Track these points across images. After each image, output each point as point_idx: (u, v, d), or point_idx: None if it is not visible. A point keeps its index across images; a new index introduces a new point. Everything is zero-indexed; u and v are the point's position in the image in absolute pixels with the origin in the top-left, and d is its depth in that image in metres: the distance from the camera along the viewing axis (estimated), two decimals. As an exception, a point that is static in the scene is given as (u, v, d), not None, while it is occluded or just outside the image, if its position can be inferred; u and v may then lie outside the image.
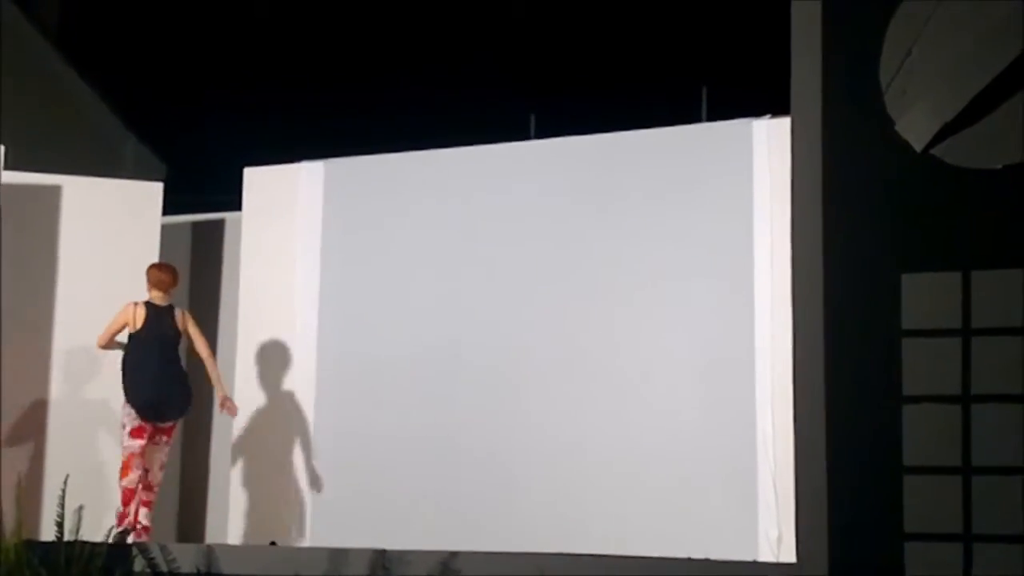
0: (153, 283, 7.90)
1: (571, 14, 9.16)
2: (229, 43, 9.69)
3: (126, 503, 7.61)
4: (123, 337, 7.89)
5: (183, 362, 8.01)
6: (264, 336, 8.86)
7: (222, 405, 8.08)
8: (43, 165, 8.74)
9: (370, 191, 8.86)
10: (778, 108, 7.32)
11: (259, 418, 8.74)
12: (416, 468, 8.34)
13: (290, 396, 8.76)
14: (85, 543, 5.99)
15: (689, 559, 6.06)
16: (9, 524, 6.22)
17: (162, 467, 7.85)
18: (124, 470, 7.67)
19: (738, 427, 7.62)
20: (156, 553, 6.14)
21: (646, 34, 9.17)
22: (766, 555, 7.33)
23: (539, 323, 8.24)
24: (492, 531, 7.79)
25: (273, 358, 8.82)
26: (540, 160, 8.51)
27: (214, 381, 8.02)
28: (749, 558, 7.08)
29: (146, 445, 7.70)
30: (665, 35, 9.14)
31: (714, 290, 7.83)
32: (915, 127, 5.06)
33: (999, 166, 4.96)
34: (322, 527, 8.43)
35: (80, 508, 6.05)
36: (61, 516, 5.98)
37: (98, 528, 6.34)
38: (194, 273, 9.31)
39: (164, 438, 7.83)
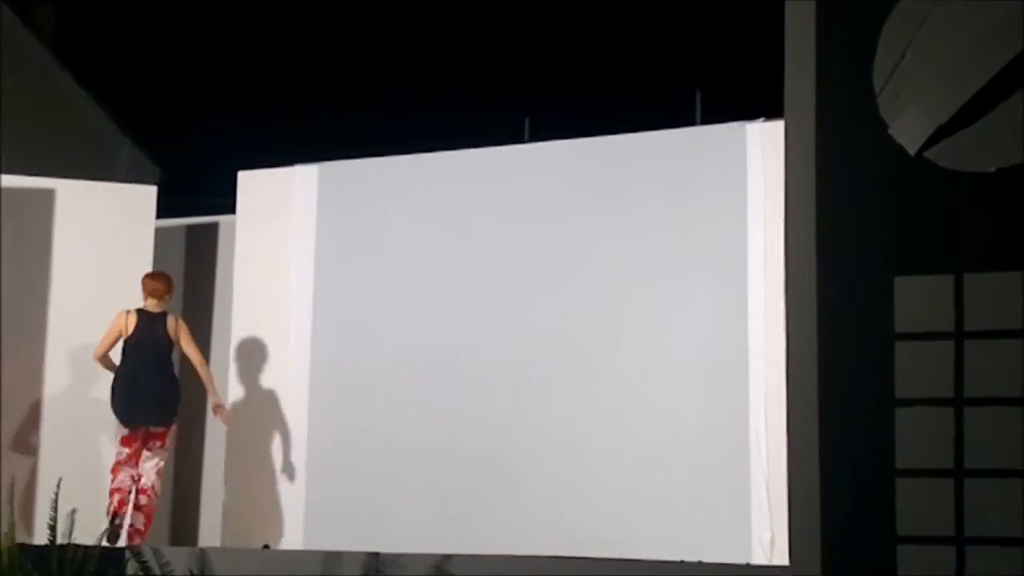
0: (148, 292, 7.96)
1: (565, 17, 9.14)
2: (223, 47, 9.67)
3: (115, 503, 7.63)
4: (117, 353, 7.91)
5: (176, 368, 8.02)
6: (258, 339, 8.86)
7: (215, 412, 8.09)
8: (37, 168, 8.74)
9: (364, 194, 8.85)
10: (772, 111, 7.30)
11: (253, 421, 8.72)
12: (412, 471, 8.32)
13: (284, 399, 8.75)
14: (78, 546, 5.99)
15: (682, 562, 6.07)
16: (2, 527, 6.22)
17: (159, 473, 7.83)
18: (113, 474, 7.74)
19: (732, 429, 7.63)
20: (149, 556, 6.17)
21: (640, 37, 9.16)
22: (759, 558, 7.32)
23: (535, 325, 8.23)
24: (491, 533, 7.81)
25: (268, 361, 8.82)
26: (534, 163, 8.51)
27: (207, 387, 8.03)
28: (742, 561, 7.07)
29: (137, 452, 7.73)
30: (659, 38, 9.12)
31: (709, 291, 7.83)
32: (908, 130, 5.07)
33: (992, 169, 4.97)
34: (316, 530, 8.41)
35: (73, 511, 6.05)
36: (54, 520, 5.99)
37: (92, 532, 6.34)
38: (188, 276, 9.31)
39: (158, 443, 7.83)
